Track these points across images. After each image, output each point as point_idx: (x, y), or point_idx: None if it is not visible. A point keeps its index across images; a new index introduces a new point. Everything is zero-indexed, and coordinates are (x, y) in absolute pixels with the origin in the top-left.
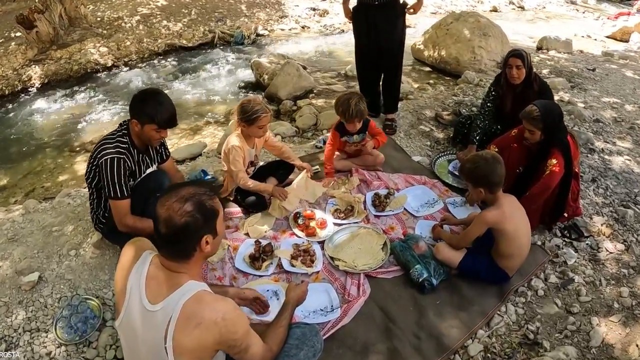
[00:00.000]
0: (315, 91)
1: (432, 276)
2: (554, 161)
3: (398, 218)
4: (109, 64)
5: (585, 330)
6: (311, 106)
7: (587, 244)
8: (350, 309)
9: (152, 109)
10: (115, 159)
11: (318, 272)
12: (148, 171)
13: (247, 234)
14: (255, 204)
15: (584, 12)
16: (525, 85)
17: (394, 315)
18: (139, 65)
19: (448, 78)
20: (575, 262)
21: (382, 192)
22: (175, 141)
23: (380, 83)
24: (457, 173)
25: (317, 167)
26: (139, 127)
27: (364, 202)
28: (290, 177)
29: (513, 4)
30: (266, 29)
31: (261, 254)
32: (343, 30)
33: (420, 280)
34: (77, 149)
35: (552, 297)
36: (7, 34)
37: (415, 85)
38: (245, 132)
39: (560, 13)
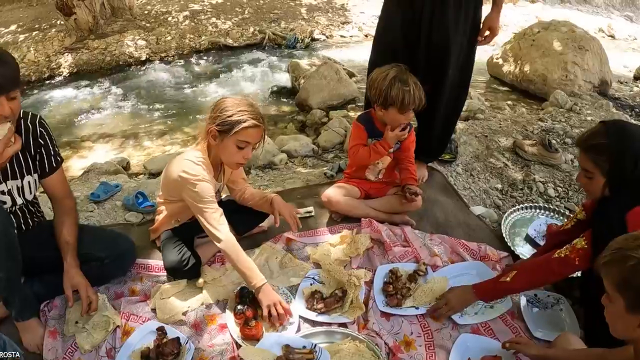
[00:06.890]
0: (357, 102)
1: None
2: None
3: (423, 325)
4: (143, 57)
5: None
6: (344, 119)
7: None
8: None
9: None
10: None
11: None
12: (12, 185)
13: (155, 311)
14: (177, 269)
15: None
16: None
17: None
18: (175, 61)
19: (531, 101)
20: None
21: (407, 267)
22: (168, 148)
23: None
24: (540, 242)
25: (311, 208)
26: None
27: (370, 282)
28: (263, 224)
29: (603, 31)
30: (324, 34)
31: (158, 357)
32: None
33: None
34: (66, 143)
35: None
36: (54, 21)
37: (487, 104)
38: (214, 150)
39: None
